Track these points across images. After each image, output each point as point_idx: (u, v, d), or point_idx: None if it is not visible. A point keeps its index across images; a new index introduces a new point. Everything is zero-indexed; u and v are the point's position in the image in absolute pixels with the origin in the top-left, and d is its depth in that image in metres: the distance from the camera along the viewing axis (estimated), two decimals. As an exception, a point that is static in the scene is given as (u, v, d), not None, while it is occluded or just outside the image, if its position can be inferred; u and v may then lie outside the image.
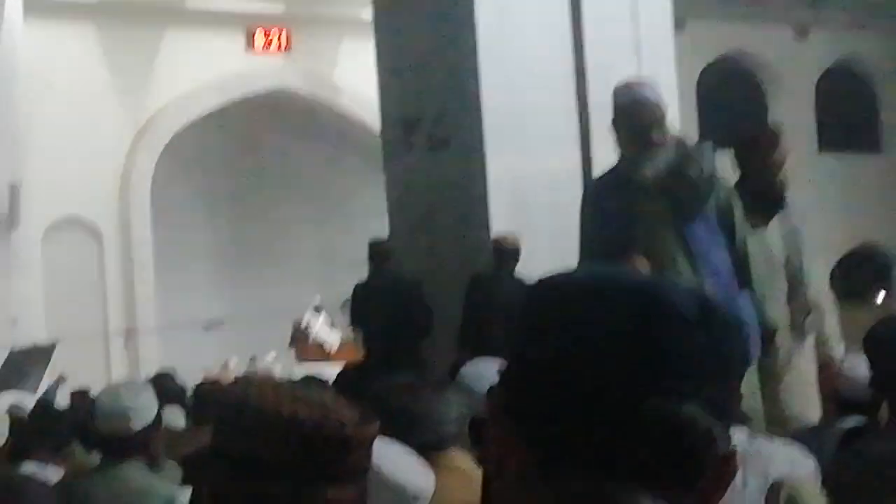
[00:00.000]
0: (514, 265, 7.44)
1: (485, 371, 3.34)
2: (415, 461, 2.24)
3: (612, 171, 4.87)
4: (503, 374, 0.99)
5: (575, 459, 0.91)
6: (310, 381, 4.98)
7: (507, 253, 7.47)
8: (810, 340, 4.98)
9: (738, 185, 4.86)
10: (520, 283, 7.30)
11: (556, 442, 0.92)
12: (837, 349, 5.76)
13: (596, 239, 4.77)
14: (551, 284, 0.99)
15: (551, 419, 0.92)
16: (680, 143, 4.74)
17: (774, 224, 4.89)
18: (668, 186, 4.61)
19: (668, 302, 0.92)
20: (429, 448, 2.55)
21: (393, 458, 2.14)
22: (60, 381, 13.52)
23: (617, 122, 4.77)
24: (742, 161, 4.92)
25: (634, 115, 4.66)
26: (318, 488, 1.50)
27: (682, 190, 4.61)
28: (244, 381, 1.74)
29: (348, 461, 1.51)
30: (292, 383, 1.64)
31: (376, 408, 1.96)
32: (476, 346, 6.48)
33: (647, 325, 0.92)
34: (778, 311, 4.80)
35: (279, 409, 1.50)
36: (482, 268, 7.37)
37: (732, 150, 4.96)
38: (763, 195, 4.77)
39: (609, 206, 4.69)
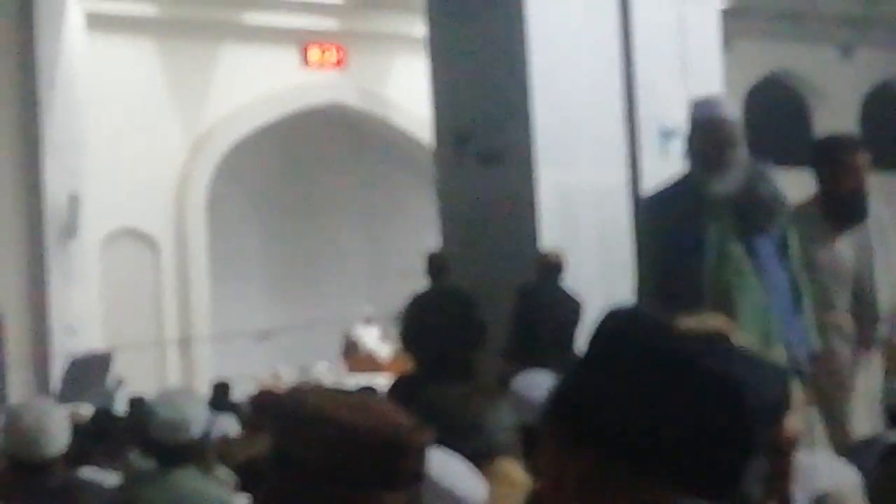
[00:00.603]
0: (559, 278, 7.51)
1: (538, 382, 3.34)
2: (467, 470, 2.29)
3: (679, 184, 4.85)
4: (564, 387, 1.02)
5: (643, 469, 0.97)
6: (364, 390, 5.06)
7: (552, 267, 7.54)
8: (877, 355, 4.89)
9: (815, 196, 4.86)
10: (566, 296, 7.35)
11: (625, 451, 0.97)
12: None
13: (660, 252, 4.75)
14: (628, 324, 1.03)
15: (621, 432, 0.97)
16: (751, 162, 4.75)
17: (847, 236, 4.84)
18: (740, 204, 4.63)
19: (743, 406, 0.99)
20: (480, 456, 2.59)
21: (446, 467, 2.18)
22: (119, 384, 13.68)
23: (693, 137, 4.75)
24: (820, 171, 4.86)
25: (712, 132, 4.65)
26: (373, 494, 1.53)
27: (754, 208, 4.63)
28: (301, 389, 1.81)
29: (403, 467, 1.54)
30: (348, 391, 1.70)
31: (429, 416, 2.00)
32: (523, 358, 6.54)
33: (722, 425, 0.99)
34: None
35: (336, 416, 1.54)
36: (529, 281, 7.43)
37: (810, 160, 4.91)
38: (840, 205, 4.76)
39: (675, 219, 4.69)
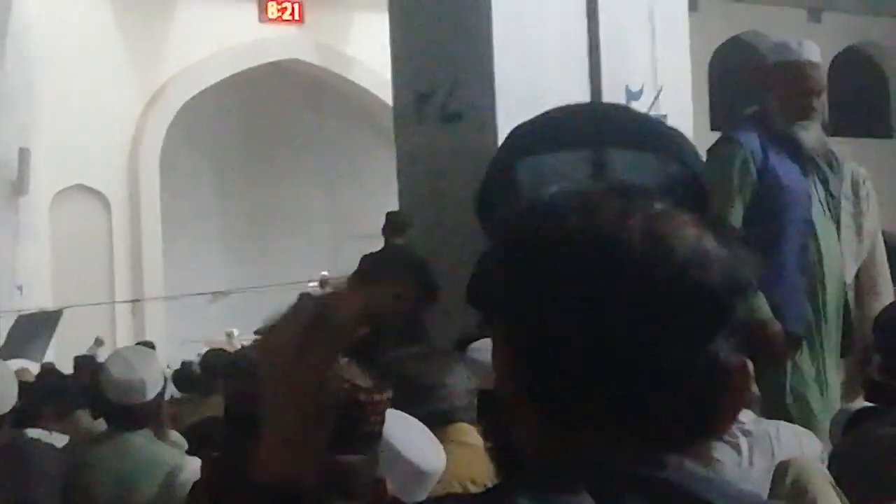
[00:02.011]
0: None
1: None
2: (427, 436, 2.23)
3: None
4: (505, 336, 0.96)
5: (587, 414, 0.90)
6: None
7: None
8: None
9: None
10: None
11: (567, 398, 0.90)
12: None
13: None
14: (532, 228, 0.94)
15: (560, 376, 0.90)
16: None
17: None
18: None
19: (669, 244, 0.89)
20: (438, 419, 2.55)
21: (405, 432, 2.13)
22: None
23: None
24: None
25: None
26: (329, 453, 1.50)
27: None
28: (254, 349, 1.72)
29: (361, 427, 1.51)
30: (306, 350, 1.61)
31: (387, 376, 1.94)
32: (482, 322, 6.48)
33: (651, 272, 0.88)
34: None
35: None
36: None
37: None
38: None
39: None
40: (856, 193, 4.64)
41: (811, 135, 4.45)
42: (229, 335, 16.24)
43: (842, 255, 4.59)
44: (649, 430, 0.90)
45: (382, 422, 1.56)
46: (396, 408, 2.10)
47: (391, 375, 2.30)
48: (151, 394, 3.60)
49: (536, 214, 0.95)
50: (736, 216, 4.31)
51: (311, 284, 17.21)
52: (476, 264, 1.02)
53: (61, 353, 12.18)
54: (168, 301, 17.04)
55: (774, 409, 4.10)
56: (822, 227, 4.48)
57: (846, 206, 4.62)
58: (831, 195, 4.52)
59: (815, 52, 4.56)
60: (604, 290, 0.89)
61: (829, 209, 4.52)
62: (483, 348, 3.46)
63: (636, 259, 0.88)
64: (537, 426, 0.92)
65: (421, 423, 2.24)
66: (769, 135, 4.45)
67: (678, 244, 0.88)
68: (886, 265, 4.80)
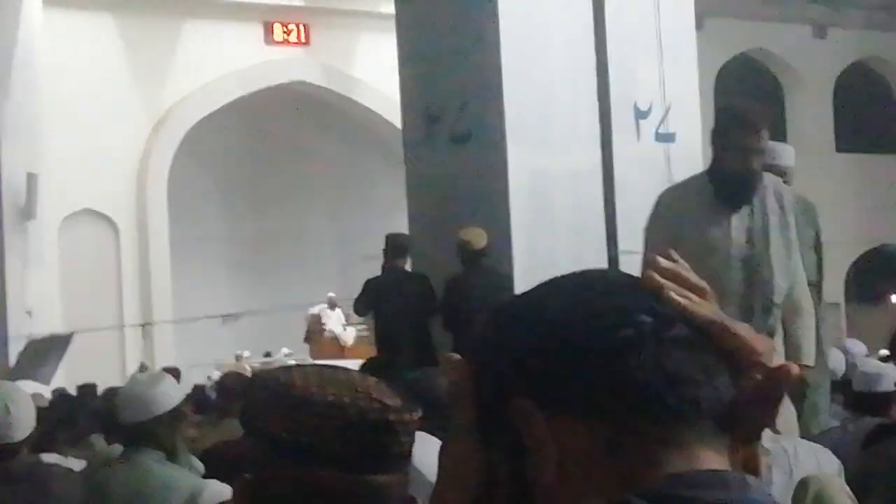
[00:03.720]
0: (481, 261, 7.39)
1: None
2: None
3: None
4: (517, 378, 0.96)
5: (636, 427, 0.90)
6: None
7: (473, 252, 7.39)
8: (778, 340, 4.57)
9: (706, 171, 4.73)
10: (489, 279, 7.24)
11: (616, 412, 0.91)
12: (832, 349, 5.61)
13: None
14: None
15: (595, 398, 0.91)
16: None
17: (740, 219, 4.62)
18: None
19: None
20: None
21: (430, 452, 2.12)
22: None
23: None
24: (713, 144, 4.64)
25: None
26: (361, 474, 1.49)
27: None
28: (286, 368, 1.73)
29: (392, 447, 1.50)
30: (335, 369, 1.62)
31: (410, 396, 1.95)
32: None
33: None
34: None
35: (324, 394, 1.49)
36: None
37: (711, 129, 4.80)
38: (724, 184, 4.57)
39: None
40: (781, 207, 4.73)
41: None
42: (238, 357, 16.24)
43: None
44: (702, 436, 0.91)
45: (412, 441, 1.55)
46: (421, 428, 2.10)
47: (415, 395, 2.30)
48: (160, 410, 3.60)
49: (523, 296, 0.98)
50: None
51: (317, 306, 17.23)
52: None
53: (71, 378, 12.17)
54: (176, 324, 17.05)
55: None
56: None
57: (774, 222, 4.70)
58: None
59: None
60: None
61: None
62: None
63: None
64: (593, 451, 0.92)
65: (439, 440, 2.23)
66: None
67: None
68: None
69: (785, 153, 5.47)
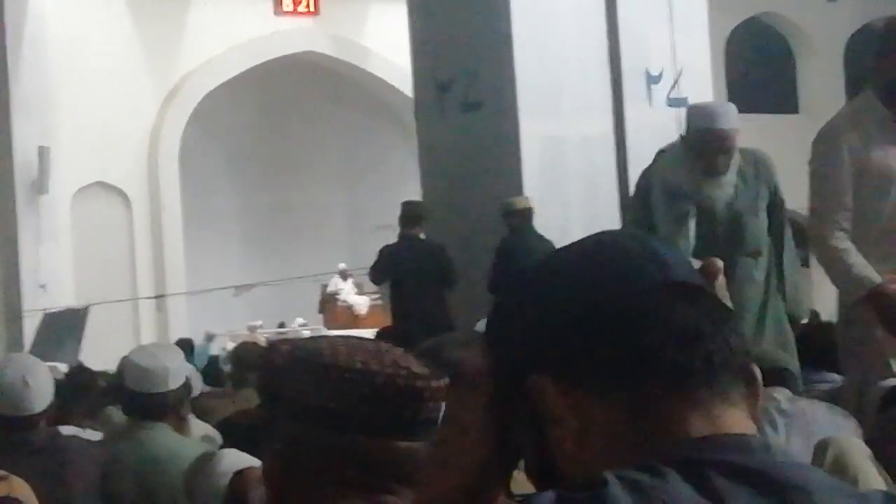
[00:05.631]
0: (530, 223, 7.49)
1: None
2: None
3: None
4: (539, 360, 0.97)
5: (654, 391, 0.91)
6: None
7: (520, 214, 7.49)
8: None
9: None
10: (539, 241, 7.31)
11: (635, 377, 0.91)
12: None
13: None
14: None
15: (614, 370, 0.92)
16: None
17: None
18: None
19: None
20: None
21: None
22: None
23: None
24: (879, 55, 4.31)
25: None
26: (390, 440, 1.49)
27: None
28: (312, 337, 1.74)
29: (420, 413, 1.50)
30: (360, 338, 1.63)
31: (430, 363, 1.96)
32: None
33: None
34: None
35: (352, 361, 1.49)
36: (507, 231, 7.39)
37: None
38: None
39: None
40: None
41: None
42: (252, 328, 16.29)
43: None
44: (713, 391, 0.92)
45: (441, 408, 1.55)
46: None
47: (433, 361, 2.31)
48: (174, 384, 3.61)
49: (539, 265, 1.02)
50: None
51: (332, 279, 17.26)
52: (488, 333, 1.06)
53: (85, 351, 12.22)
54: (190, 296, 17.09)
55: None
56: None
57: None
58: None
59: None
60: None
61: None
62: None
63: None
64: (607, 420, 0.93)
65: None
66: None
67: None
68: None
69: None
